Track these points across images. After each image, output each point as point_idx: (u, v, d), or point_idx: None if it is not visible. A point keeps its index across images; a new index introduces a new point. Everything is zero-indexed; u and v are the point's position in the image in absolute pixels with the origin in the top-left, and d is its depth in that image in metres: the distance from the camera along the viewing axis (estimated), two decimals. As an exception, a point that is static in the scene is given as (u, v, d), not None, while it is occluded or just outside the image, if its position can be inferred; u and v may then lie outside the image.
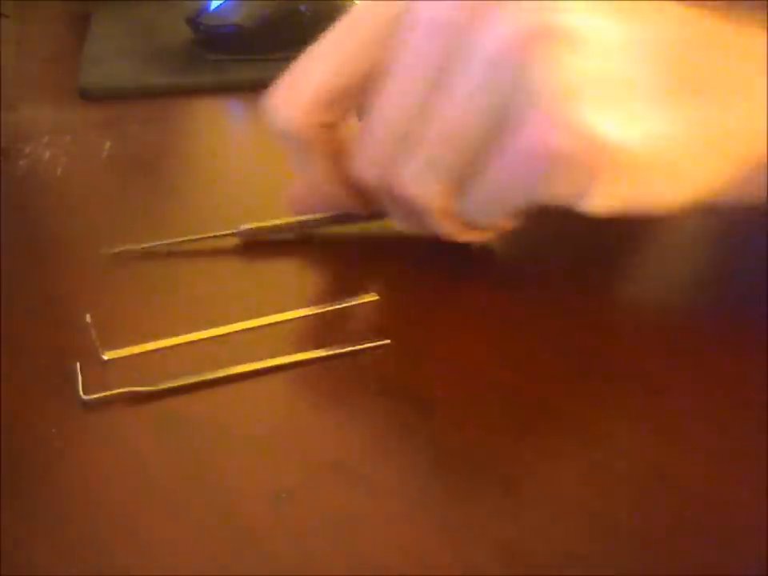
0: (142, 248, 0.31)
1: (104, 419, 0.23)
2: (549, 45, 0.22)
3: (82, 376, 0.24)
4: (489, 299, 0.29)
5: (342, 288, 0.29)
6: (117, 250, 0.31)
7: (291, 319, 0.28)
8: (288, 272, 0.31)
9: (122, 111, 0.50)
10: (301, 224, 0.33)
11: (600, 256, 0.32)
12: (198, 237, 0.32)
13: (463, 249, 0.31)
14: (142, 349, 0.26)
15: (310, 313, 0.28)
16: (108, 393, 0.24)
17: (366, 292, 0.29)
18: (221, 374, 0.25)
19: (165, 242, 0.32)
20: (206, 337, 0.27)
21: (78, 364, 0.25)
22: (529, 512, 0.20)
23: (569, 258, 0.32)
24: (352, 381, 0.25)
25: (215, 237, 0.32)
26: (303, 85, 0.27)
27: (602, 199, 0.23)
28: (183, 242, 0.32)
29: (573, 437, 0.23)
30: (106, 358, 0.25)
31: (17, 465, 0.22)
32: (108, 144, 0.44)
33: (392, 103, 0.25)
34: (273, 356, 0.25)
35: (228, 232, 0.32)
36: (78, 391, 0.23)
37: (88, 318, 0.25)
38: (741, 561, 0.19)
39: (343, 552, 0.19)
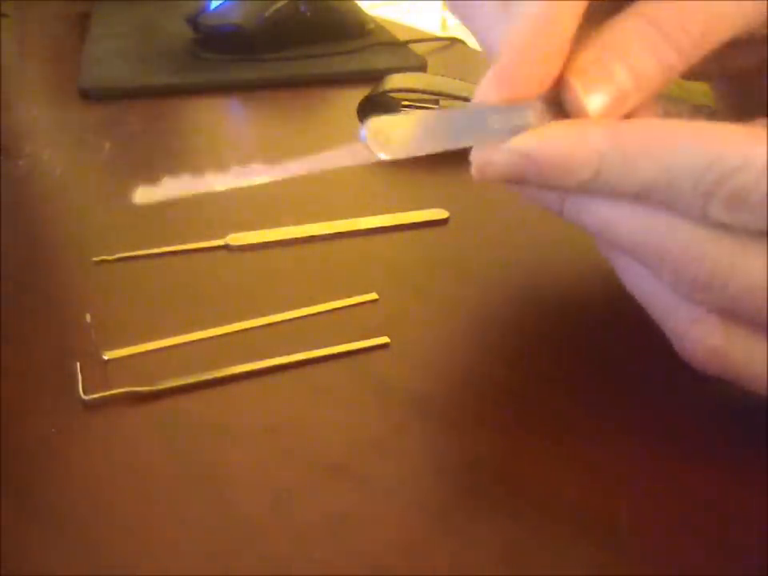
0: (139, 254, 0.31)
1: (104, 419, 0.23)
2: None
3: (82, 376, 0.24)
4: (489, 300, 0.29)
5: (341, 288, 0.29)
6: (115, 257, 0.31)
7: (291, 319, 0.28)
8: (288, 272, 0.31)
9: (122, 111, 0.50)
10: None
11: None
12: (191, 246, 0.32)
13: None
14: (142, 349, 0.26)
15: (310, 312, 0.28)
16: (108, 393, 0.24)
17: (366, 292, 0.29)
18: (221, 373, 0.25)
19: (161, 249, 0.32)
20: (205, 337, 0.27)
21: (78, 364, 0.25)
22: (529, 512, 0.20)
23: (569, 257, 0.32)
24: (351, 380, 0.25)
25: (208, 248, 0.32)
26: None
27: None
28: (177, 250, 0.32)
29: (572, 437, 0.23)
30: (106, 357, 0.25)
31: (17, 465, 0.22)
32: (108, 144, 0.44)
33: None
34: (272, 356, 0.25)
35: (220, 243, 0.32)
36: (78, 391, 0.24)
37: (88, 317, 0.26)
38: (741, 562, 0.19)
39: (343, 552, 0.19)
